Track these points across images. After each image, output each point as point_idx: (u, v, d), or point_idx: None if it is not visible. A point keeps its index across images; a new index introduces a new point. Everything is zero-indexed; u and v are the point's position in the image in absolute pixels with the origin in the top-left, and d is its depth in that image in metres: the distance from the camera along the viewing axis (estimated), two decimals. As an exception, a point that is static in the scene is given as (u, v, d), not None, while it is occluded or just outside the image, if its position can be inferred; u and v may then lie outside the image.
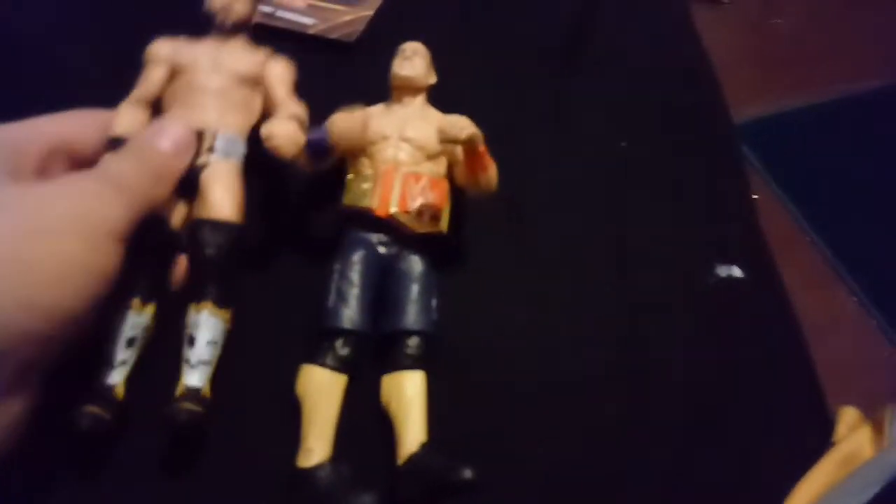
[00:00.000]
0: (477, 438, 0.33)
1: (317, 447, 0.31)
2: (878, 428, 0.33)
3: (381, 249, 0.35)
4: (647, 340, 0.37)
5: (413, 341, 0.34)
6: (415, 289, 0.34)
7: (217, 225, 0.33)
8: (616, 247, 0.40)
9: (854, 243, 0.42)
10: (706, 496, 0.33)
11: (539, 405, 0.35)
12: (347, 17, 0.46)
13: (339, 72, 0.44)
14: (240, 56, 0.36)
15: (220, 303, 0.33)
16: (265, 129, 0.33)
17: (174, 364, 0.32)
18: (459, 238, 0.38)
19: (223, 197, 0.34)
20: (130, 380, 0.32)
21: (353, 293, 0.34)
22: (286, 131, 0.33)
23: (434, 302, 0.35)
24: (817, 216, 0.43)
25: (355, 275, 0.34)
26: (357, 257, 0.34)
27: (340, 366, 0.33)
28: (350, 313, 0.33)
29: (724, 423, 0.35)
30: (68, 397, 0.30)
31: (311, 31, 0.45)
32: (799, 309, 0.39)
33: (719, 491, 0.34)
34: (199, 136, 0.34)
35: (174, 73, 0.35)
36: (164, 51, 0.36)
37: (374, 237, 0.35)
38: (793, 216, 0.43)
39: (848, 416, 0.35)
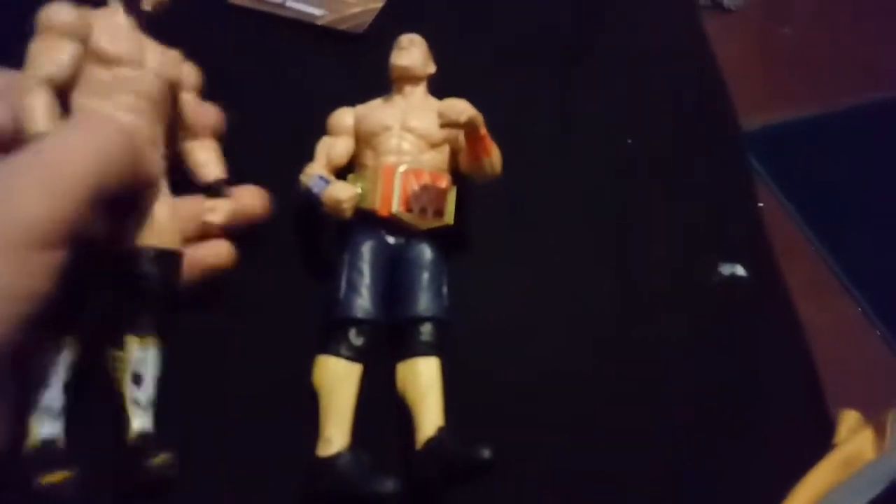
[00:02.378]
0: (488, 423, 0.33)
1: (336, 436, 0.31)
2: (879, 431, 0.33)
3: (390, 240, 0.35)
4: (649, 336, 0.37)
5: (426, 328, 0.34)
6: (425, 276, 0.34)
7: (164, 255, 0.31)
8: (619, 240, 0.40)
9: (858, 253, 0.42)
10: (705, 495, 0.34)
11: (544, 394, 0.35)
12: (357, 9, 0.46)
13: (347, 63, 0.44)
14: (160, 51, 0.32)
15: (162, 336, 0.31)
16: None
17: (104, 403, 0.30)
18: (465, 228, 0.38)
19: (166, 221, 0.31)
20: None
21: (364, 283, 0.34)
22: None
23: (444, 288, 0.35)
24: (822, 225, 0.43)
25: (365, 265, 0.34)
26: (366, 248, 0.35)
27: (355, 355, 0.33)
28: (362, 303, 0.34)
29: (725, 420, 0.35)
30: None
31: (319, 22, 0.45)
32: (801, 316, 0.39)
33: (718, 490, 0.34)
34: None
35: (84, 51, 0.30)
36: (70, 18, 0.29)
37: (382, 229, 0.35)
38: (797, 225, 0.43)
39: (849, 419, 0.35)
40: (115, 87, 0.30)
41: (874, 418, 0.34)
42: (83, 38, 0.30)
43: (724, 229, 0.40)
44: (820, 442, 0.34)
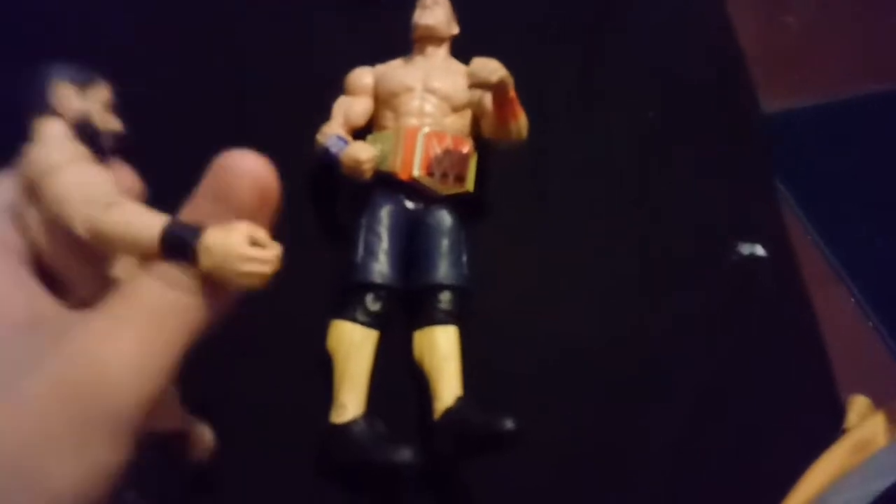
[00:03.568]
0: (506, 393, 0.33)
1: (350, 403, 0.30)
2: (891, 417, 0.33)
3: (409, 205, 0.34)
4: (666, 311, 0.36)
5: (445, 296, 0.33)
6: (445, 243, 0.34)
7: None
8: (639, 215, 0.39)
9: (854, 244, 0.42)
10: (717, 475, 0.33)
11: (560, 365, 0.34)
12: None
13: (366, 24, 0.43)
14: None
15: None
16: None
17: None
18: (485, 195, 0.37)
19: None
20: None
21: (382, 247, 0.33)
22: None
23: (464, 257, 0.34)
24: (819, 215, 0.42)
25: (383, 229, 0.33)
26: (384, 212, 0.34)
27: (371, 321, 0.32)
28: (380, 267, 0.33)
29: (737, 404, 0.35)
30: None
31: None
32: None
33: (730, 470, 0.33)
34: None
35: None
36: None
37: (401, 194, 0.34)
38: (797, 216, 0.42)
39: (859, 404, 0.35)
40: None
41: (886, 405, 0.34)
42: None
43: (745, 208, 0.39)
44: (830, 426, 0.34)
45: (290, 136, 0.35)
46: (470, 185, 0.35)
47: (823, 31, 0.53)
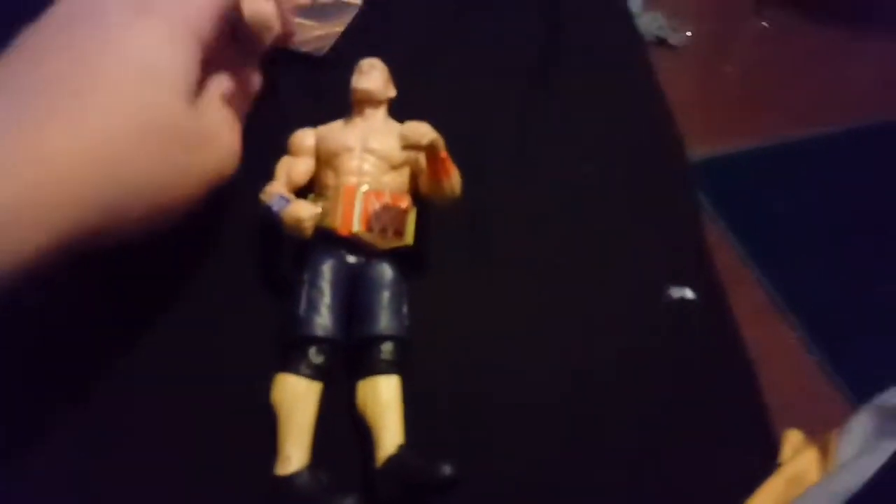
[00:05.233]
0: (448, 442, 0.34)
1: (294, 454, 0.31)
2: (823, 451, 0.34)
3: (350, 259, 0.35)
4: (601, 357, 0.38)
5: (387, 346, 0.34)
6: (386, 295, 0.35)
7: None
8: (574, 262, 0.40)
9: (796, 280, 0.44)
10: None
11: (504, 411, 0.35)
12: (318, 32, 0.47)
13: (308, 85, 0.45)
14: None
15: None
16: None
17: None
18: (424, 248, 0.38)
19: None
20: None
21: (324, 301, 0.34)
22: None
23: (405, 307, 0.35)
24: (761, 253, 0.44)
25: (325, 283, 0.34)
26: (325, 267, 0.35)
27: (315, 373, 0.33)
28: (322, 321, 0.34)
29: (672, 441, 0.36)
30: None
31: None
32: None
33: None
34: None
35: None
36: None
37: (342, 249, 0.35)
38: (738, 253, 0.45)
39: (793, 438, 0.36)
40: None
41: (818, 438, 0.35)
42: None
43: (675, 253, 0.41)
44: (765, 461, 0.35)
45: (236, 192, 0.36)
46: (409, 238, 0.36)
47: (761, 79, 0.56)
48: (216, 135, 0.34)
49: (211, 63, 0.34)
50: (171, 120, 0.31)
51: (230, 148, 0.35)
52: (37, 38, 0.30)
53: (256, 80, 0.39)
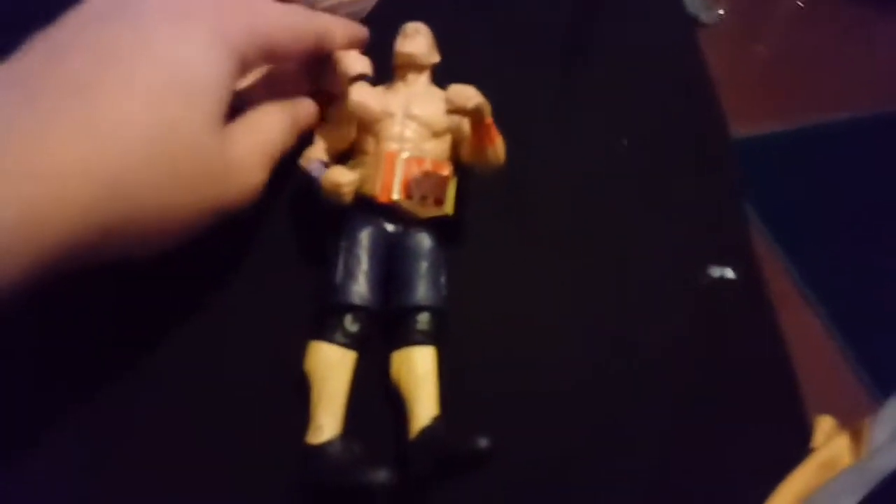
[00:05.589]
0: (484, 415, 0.33)
1: (327, 424, 0.31)
2: (855, 437, 0.34)
3: (388, 227, 0.35)
4: (638, 334, 0.37)
5: (424, 317, 0.33)
6: (424, 265, 0.34)
7: None
8: (615, 238, 0.40)
9: (820, 266, 0.43)
10: (685, 496, 0.34)
11: (538, 387, 0.35)
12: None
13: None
14: None
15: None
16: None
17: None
18: (464, 218, 0.37)
19: None
20: None
21: (362, 269, 0.33)
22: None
23: (443, 278, 0.34)
24: (788, 239, 0.44)
25: (362, 251, 0.34)
26: (363, 234, 0.34)
27: (350, 342, 0.32)
28: (359, 289, 0.33)
29: (706, 423, 0.35)
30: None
31: (320, 6, 0.44)
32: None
33: (697, 492, 0.34)
34: None
35: None
36: None
37: (380, 217, 0.35)
38: (764, 239, 0.44)
39: (825, 424, 0.35)
40: None
41: (850, 424, 0.35)
42: None
43: (715, 231, 0.40)
44: (798, 446, 0.35)
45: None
46: (449, 208, 0.35)
47: (792, 60, 0.55)
48: (240, 168, 0.30)
49: (255, 89, 0.32)
50: (193, 140, 0.27)
51: (252, 185, 0.31)
52: (61, 33, 0.26)
53: (307, 114, 0.35)
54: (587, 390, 0.35)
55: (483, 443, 0.29)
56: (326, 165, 0.34)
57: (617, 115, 0.43)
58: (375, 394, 0.33)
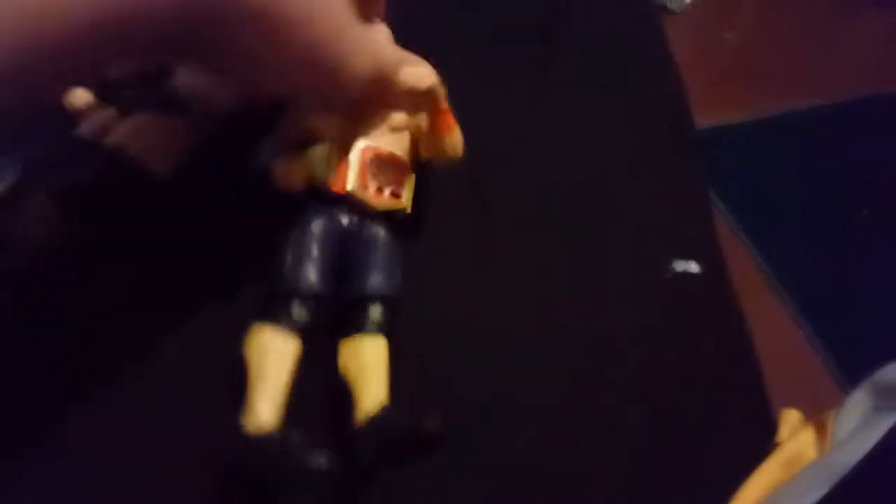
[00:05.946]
0: (437, 406, 0.32)
1: (263, 409, 0.29)
2: (820, 430, 0.34)
3: (343, 219, 0.34)
4: (602, 327, 0.37)
5: (376, 307, 0.32)
6: (378, 256, 0.33)
7: None
8: (579, 233, 0.40)
9: (787, 254, 0.43)
10: (651, 491, 0.33)
11: (494, 379, 0.34)
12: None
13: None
14: None
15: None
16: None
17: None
18: (426, 213, 0.37)
19: None
20: None
21: (312, 258, 0.32)
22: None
23: (399, 270, 0.33)
24: (753, 227, 0.44)
25: (313, 241, 0.33)
26: (315, 224, 0.33)
27: (294, 328, 0.31)
28: (306, 276, 0.32)
29: (672, 418, 0.35)
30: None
31: None
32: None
33: (664, 487, 0.33)
34: None
35: None
36: None
37: (335, 207, 0.34)
38: (731, 225, 0.44)
39: (791, 418, 0.35)
40: None
41: (814, 418, 0.34)
42: None
43: (679, 225, 0.41)
44: (763, 439, 0.34)
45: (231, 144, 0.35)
46: (407, 203, 0.35)
47: (759, 50, 0.55)
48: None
49: None
50: None
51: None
52: None
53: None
54: (547, 384, 0.34)
55: (434, 424, 0.27)
56: (280, 152, 0.34)
57: (582, 108, 0.44)
58: (323, 384, 0.31)
